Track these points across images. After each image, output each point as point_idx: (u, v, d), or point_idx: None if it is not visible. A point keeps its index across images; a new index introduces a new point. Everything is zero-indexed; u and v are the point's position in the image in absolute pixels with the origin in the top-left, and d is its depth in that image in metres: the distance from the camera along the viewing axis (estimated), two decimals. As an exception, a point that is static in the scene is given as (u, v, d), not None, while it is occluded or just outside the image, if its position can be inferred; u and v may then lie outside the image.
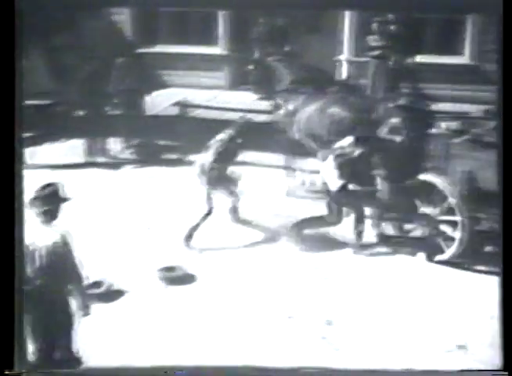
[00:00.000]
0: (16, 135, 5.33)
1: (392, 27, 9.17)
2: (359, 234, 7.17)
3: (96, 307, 6.02)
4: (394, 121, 7.22)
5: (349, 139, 7.17)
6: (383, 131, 7.20)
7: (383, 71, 9.05)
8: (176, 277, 6.79)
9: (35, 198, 5.16)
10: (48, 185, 5.21)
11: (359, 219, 7.22)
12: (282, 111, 8.46)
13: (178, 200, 8.35)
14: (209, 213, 7.49)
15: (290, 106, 8.31)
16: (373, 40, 9.26)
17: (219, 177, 7.47)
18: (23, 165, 5.49)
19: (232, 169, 7.63)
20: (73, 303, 5.10)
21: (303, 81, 8.47)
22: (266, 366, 5.42)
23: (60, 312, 5.13)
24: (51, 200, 5.17)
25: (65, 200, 5.28)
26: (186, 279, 6.77)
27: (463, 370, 5.28)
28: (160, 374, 5.36)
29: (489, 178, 6.64)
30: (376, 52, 9.16)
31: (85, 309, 5.15)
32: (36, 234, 5.15)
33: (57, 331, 5.13)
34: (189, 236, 7.37)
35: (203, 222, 7.46)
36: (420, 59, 9.38)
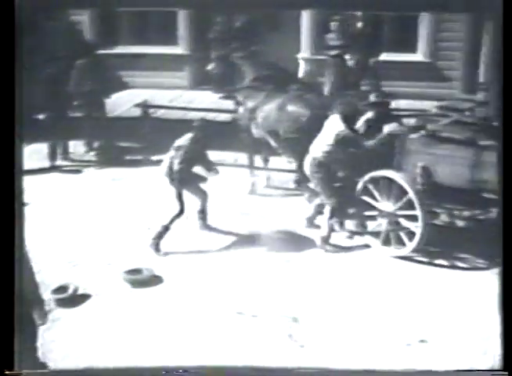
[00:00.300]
0: (16, 134, 5.28)
1: (350, 26, 9.30)
2: (330, 230, 7.26)
3: (62, 312, 6.15)
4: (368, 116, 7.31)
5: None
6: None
7: (341, 69, 9.18)
8: (142, 279, 6.79)
9: None
10: None
11: (323, 212, 7.34)
12: (241, 109, 8.52)
13: (143, 201, 8.38)
14: (180, 213, 7.49)
15: (250, 104, 8.36)
16: (331, 39, 9.38)
17: (186, 178, 7.48)
18: (23, 166, 5.41)
19: (200, 169, 7.63)
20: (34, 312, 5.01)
21: (264, 78, 8.52)
22: (265, 367, 5.43)
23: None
24: None
25: None
26: (153, 281, 6.76)
27: (463, 370, 5.29)
28: (160, 374, 5.38)
29: (445, 172, 6.82)
30: (335, 51, 9.28)
31: (43, 318, 5.03)
32: None
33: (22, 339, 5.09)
34: (158, 237, 7.34)
35: (174, 222, 7.43)
36: (376, 57, 9.56)
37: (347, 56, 9.33)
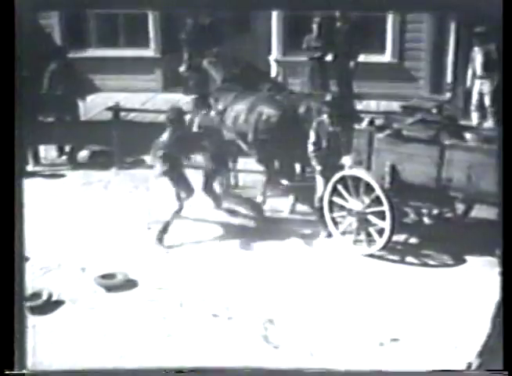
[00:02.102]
0: (16, 134, 5.27)
1: (327, 28, 9.36)
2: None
3: (37, 319, 6.15)
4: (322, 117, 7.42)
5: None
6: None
7: (315, 70, 9.25)
8: (116, 284, 6.82)
9: None
10: None
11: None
12: (212, 112, 8.56)
13: (115, 205, 8.40)
14: (179, 210, 7.62)
15: (220, 105, 8.41)
16: (310, 40, 9.43)
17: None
18: (24, 167, 5.38)
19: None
20: None
21: (233, 79, 8.57)
22: (265, 367, 5.46)
23: None
24: None
25: None
26: (127, 285, 6.79)
27: (463, 370, 5.29)
28: (160, 374, 5.41)
29: (411, 171, 6.94)
30: (316, 53, 9.33)
31: None
32: None
33: None
34: (163, 233, 7.51)
35: (174, 219, 7.57)
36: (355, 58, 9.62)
37: (327, 58, 9.38)
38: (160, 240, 7.55)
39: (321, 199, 7.45)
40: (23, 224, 5.23)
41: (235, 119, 8.17)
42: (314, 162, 7.43)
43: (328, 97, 7.49)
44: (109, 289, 6.76)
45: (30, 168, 9.59)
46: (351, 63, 9.63)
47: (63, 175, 9.46)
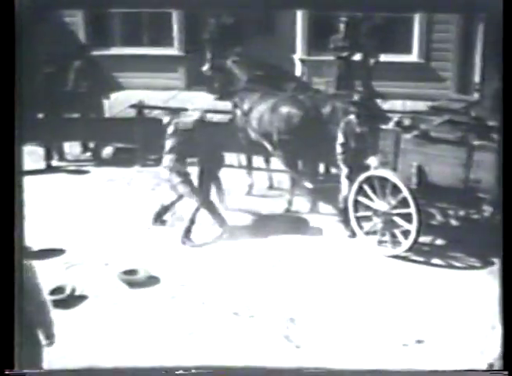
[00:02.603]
0: (16, 133, 5.28)
1: (354, 27, 9.31)
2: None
3: (59, 313, 6.15)
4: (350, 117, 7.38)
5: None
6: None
7: (342, 70, 9.19)
8: (139, 280, 6.82)
9: None
10: None
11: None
12: (238, 111, 8.54)
13: (139, 201, 8.40)
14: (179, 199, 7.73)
15: (246, 106, 8.39)
16: (337, 40, 9.38)
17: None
18: (23, 165, 5.41)
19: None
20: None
21: (258, 79, 8.54)
22: (265, 367, 5.45)
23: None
24: None
25: None
26: (149, 282, 6.79)
27: (462, 370, 5.31)
28: (160, 374, 5.40)
29: (438, 172, 6.88)
30: (344, 53, 9.29)
31: (50, 338, 4.87)
32: None
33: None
34: (187, 231, 7.60)
35: (196, 215, 7.65)
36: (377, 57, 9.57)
37: (354, 58, 9.34)
38: (186, 237, 7.57)
39: (345, 199, 7.40)
40: (23, 222, 5.23)
41: (259, 119, 8.16)
42: (341, 163, 7.39)
43: (355, 97, 7.44)
44: (131, 285, 6.77)
45: (55, 163, 9.64)
46: (371, 62, 9.57)
47: (87, 171, 9.47)
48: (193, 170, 7.79)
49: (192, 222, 7.61)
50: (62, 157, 9.79)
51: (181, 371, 5.32)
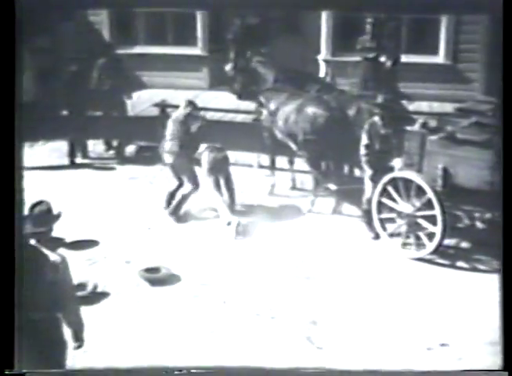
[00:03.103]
0: (16, 133, 5.31)
1: (381, 28, 9.25)
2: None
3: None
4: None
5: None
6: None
7: (368, 71, 9.13)
8: (160, 278, 6.81)
9: (25, 219, 4.74)
10: (39, 203, 4.74)
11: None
12: (265, 111, 8.51)
13: (161, 199, 8.41)
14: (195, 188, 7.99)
15: (272, 106, 8.36)
16: (365, 41, 9.33)
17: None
18: (22, 164, 5.44)
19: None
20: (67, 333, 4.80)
21: (285, 80, 8.52)
22: (264, 367, 5.45)
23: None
24: (44, 221, 4.70)
25: (58, 217, 4.84)
26: (171, 279, 6.79)
27: (462, 370, 5.31)
28: (160, 374, 5.38)
29: (464, 174, 6.79)
30: (370, 54, 9.23)
31: (80, 342, 4.79)
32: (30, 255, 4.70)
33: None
34: (175, 207, 7.99)
35: (190, 196, 7.99)
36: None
37: (382, 58, 9.30)
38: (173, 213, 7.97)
39: (369, 201, 7.33)
40: (22, 222, 5.15)
41: (285, 120, 8.14)
42: (364, 165, 7.34)
43: (379, 99, 7.39)
44: (152, 283, 6.76)
45: (78, 160, 9.68)
46: (397, 63, 9.50)
47: (110, 169, 9.50)
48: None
49: (184, 199, 7.95)
50: (85, 155, 9.84)
51: (183, 371, 5.31)
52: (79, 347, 4.81)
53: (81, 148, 9.78)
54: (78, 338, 4.76)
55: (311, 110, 7.90)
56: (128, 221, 7.92)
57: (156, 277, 6.83)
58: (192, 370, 5.39)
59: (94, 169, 9.48)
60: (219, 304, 6.37)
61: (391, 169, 7.17)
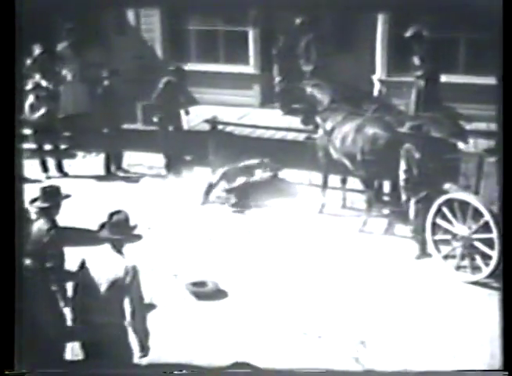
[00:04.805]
0: (16, 133, 5.34)
1: (430, 47, 9.15)
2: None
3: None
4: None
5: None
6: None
7: (422, 90, 9.02)
8: (207, 292, 6.76)
9: (103, 226, 4.84)
10: (117, 212, 4.90)
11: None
12: (320, 131, 8.43)
13: (210, 214, 8.37)
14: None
15: (328, 126, 8.27)
16: (417, 60, 9.23)
17: None
18: (22, 165, 5.49)
19: None
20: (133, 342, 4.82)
21: (342, 100, 8.44)
22: (264, 367, 5.41)
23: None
24: (120, 229, 4.83)
25: (134, 228, 4.97)
26: (217, 295, 6.73)
27: (463, 371, 5.24)
28: (160, 373, 5.29)
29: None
30: (419, 72, 9.13)
31: (145, 351, 4.84)
32: (101, 260, 4.82)
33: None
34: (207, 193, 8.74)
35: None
36: (454, 79, 9.38)
37: (433, 78, 9.20)
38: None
39: (421, 222, 7.16)
40: (23, 225, 5.26)
41: (342, 139, 8.04)
42: (404, 190, 7.27)
43: (407, 124, 7.34)
44: (199, 297, 6.71)
45: (116, 170, 9.90)
46: (453, 83, 9.39)
47: (156, 181, 9.59)
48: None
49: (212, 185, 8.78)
50: (119, 167, 9.97)
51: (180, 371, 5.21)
52: (144, 356, 4.84)
53: (116, 160, 9.93)
54: (144, 347, 4.81)
55: (371, 130, 7.78)
56: (179, 234, 7.91)
57: (202, 291, 6.79)
58: (192, 370, 5.33)
59: (132, 181, 9.64)
60: (266, 322, 6.25)
61: (439, 193, 7.02)
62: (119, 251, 4.83)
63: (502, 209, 5.19)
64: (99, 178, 9.70)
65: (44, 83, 9.90)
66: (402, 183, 7.27)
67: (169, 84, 9.73)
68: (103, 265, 4.78)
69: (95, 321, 4.73)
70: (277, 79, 11.10)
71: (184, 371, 5.33)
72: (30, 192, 5.53)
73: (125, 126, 10.09)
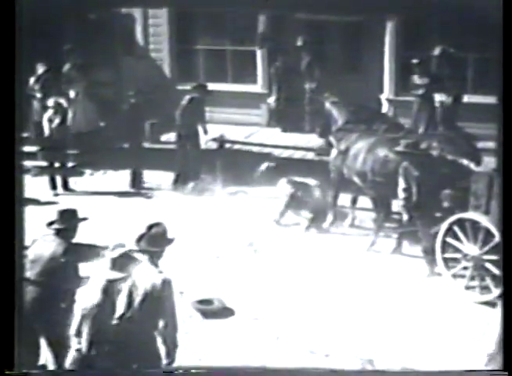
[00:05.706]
0: (16, 136, 5.34)
1: (434, 67, 9.18)
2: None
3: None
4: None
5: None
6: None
7: (425, 110, 9.03)
8: (213, 310, 6.71)
9: (142, 237, 4.84)
10: (156, 225, 4.91)
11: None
12: (334, 150, 8.39)
13: (216, 231, 8.32)
14: None
15: (343, 146, 8.24)
16: (416, 79, 9.25)
17: None
18: (23, 167, 5.50)
19: None
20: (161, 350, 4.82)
21: (356, 120, 8.44)
22: (264, 367, 5.44)
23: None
24: (158, 242, 4.86)
25: (171, 241, 4.98)
26: (224, 312, 6.67)
27: (463, 371, 5.21)
28: (160, 374, 5.23)
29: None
30: (421, 91, 9.14)
31: (172, 356, 4.84)
32: (139, 272, 4.82)
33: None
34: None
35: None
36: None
37: (436, 96, 9.22)
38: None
39: (429, 241, 7.11)
40: (23, 226, 5.24)
41: (354, 157, 8.02)
42: (404, 208, 7.28)
43: (403, 142, 7.35)
44: (205, 315, 6.66)
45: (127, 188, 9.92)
46: (464, 102, 9.38)
47: (166, 198, 9.55)
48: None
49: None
50: (135, 185, 9.95)
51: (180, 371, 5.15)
52: (169, 364, 4.83)
53: (137, 177, 9.91)
54: (170, 356, 4.81)
55: (382, 152, 7.73)
56: (184, 252, 7.85)
57: (209, 309, 6.73)
58: (193, 371, 5.28)
59: (146, 197, 9.67)
60: (272, 339, 6.21)
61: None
62: (155, 264, 4.82)
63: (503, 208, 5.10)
64: (118, 194, 9.71)
65: (61, 100, 9.92)
66: (402, 202, 7.26)
67: (193, 101, 9.73)
68: (140, 276, 4.78)
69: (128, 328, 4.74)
70: (273, 98, 11.13)
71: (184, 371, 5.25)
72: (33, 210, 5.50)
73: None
